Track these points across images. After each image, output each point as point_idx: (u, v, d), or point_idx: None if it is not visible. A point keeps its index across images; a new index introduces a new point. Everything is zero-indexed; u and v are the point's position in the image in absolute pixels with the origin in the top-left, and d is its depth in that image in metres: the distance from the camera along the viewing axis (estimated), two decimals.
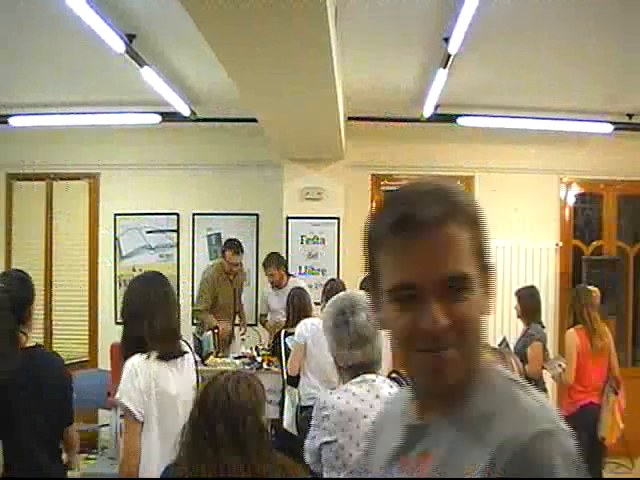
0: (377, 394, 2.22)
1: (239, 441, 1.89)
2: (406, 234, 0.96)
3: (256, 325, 6.65)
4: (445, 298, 0.95)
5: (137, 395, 2.55)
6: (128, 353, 2.64)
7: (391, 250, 1.00)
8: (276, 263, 6.13)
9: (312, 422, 2.33)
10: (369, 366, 2.29)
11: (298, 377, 4.74)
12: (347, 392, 2.26)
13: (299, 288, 5.34)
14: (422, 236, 0.96)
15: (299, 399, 4.69)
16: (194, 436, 1.92)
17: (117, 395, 2.58)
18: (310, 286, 5.99)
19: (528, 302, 5.06)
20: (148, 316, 2.66)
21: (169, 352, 2.68)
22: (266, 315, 6.29)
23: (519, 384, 0.99)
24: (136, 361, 2.61)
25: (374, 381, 2.27)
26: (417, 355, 0.97)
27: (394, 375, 2.57)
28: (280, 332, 5.10)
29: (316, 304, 5.34)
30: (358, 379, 2.26)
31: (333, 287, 4.95)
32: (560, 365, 4.85)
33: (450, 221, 0.98)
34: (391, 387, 2.27)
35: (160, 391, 2.60)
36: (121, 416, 2.65)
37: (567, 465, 0.87)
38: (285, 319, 5.30)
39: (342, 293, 2.56)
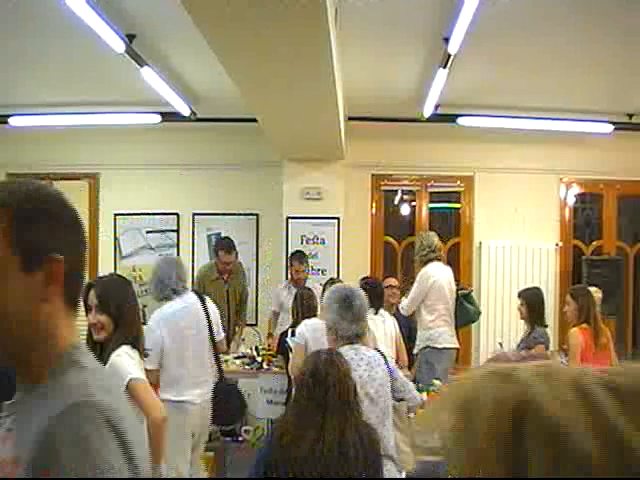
0: (361, 357, 3.05)
1: (346, 402, 2.44)
2: None
3: (256, 325, 6.65)
4: None
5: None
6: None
7: None
8: (306, 261, 6.11)
9: None
10: (359, 337, 3.16)
11: None
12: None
13: (307, 288, 5.32)
14: None
15: None
16: (307, 400, 2.43)
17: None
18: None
19: (533, 304, 5.03)
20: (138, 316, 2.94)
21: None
22: (278, 313, 6.21)
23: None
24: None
25: (359, 348, 3.12)
26: None
27: None
28: (287, 332, 5.09)
29: None
30: (347, 347, 3.04)
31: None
32: (562, 363, 4.84)
33: None
34: (370, 352, 3.13)
35: None
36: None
37: (85, 435, 0.92)
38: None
39: (341, 285, 3.55)
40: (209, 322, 4.25)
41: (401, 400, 3.41)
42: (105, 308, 2.83)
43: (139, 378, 2.72)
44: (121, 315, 2.84)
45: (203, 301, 4.30)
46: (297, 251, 6.19)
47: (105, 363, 2.73)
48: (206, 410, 4.08)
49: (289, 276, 6.18)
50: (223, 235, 6.88)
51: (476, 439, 0.60)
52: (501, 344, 5.80)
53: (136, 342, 2.85)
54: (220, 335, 4.46)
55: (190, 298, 4.23)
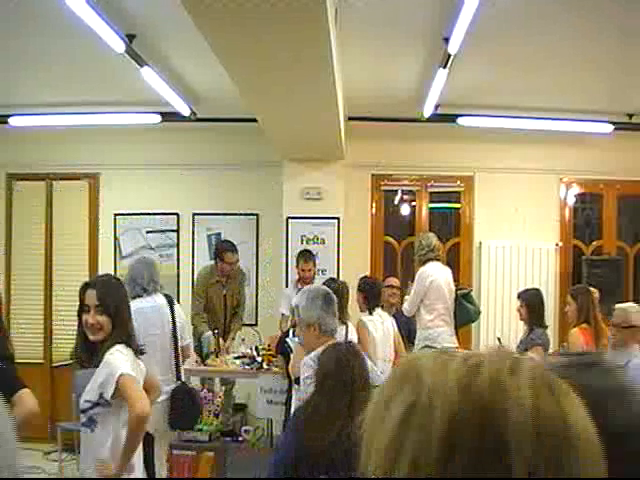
0: None
1: (367, 387, 2.69)
2: None
3: (256, 325, 6.65)
4: None
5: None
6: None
7: None
8: (314, 259, 6.07)
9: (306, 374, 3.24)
10: (336, 330, 3.49)
11: None
12: None
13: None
14: None
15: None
16: (334, 386, 2.67)
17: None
18: None
19: (533, 305, 5.02)
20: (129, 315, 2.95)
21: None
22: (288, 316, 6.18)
23: None
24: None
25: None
26: None
27: None
28: (287, 332, 5.09)
29: None
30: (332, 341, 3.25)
31: (332, 287, 4.94)
32: None
33: None
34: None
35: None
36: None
37: None
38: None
39: (318, 286, 3.99)
40: (174, 325, 4.33)
41: None
42: (105, 309, 2.81)
43: (128, 374, 2.70)
44: (118, 315, 2.84)
45: (172, 305, 4.38)
46: (304, 250, 6.18)
47: (99, 362, 2.74)
48: (166, 410, 4.17)
49: (296, 276, 6.14)
50: (223, 236, 6.90)
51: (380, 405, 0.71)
52: (499, 339, 5.80)
53: (130, 341, 2.86)
54: (185, 340, 4.54)
55: (160, 299, 4.34)
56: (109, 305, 2.82)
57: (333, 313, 3.41)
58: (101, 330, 2.80)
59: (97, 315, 2.79)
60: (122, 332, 2.83)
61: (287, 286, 6.37)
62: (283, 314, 6.14)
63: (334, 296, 3.50)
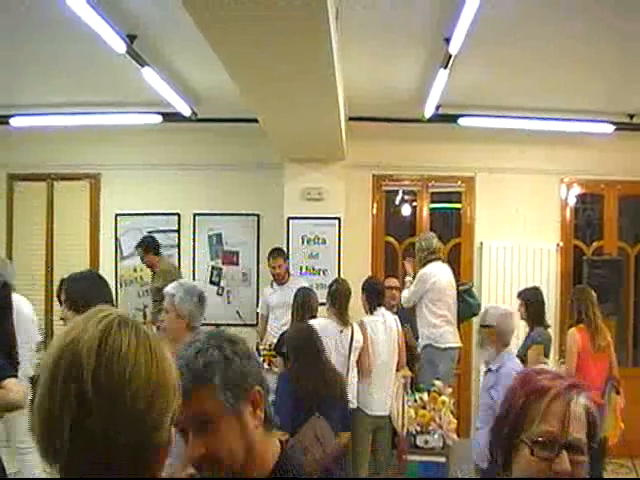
0: None
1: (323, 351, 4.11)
2: None
3: (256, 325, 6.65)
4: None
5: None
6: None
7: None
8: (283, 255, 6.19)
9: None
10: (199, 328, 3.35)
11: None
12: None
13: (307, 288, 5.32)
14: None
15: None
16: (309, 350, 4.06)
17: None
18: (311, 286, 5.98)
19: (533, 304, 5.03)
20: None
21: None
22: (266, 318, 6.24)
23: None
24: None
25: None
26: None
27: None
28: (286, 332, 5.09)
29: (320, 304, 5.32)
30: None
31: (338, 288, 4.95)
32: (563, 362, 4.85)
33: None
34: None
35: None
36: None
37: None
38: (290, 317, 5.25)
39: (195, 283, 4.14)
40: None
41: None
42: (70, 305, 2.87)
43: None
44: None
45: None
46: (273, 248, 6.28)
47: None
48: None
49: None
50: (224, 235, 6.98)
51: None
52: None
53: None
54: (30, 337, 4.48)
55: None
56: (75, 300, 2.89)
57: (202, 314, 3.38)
58: None
59: (65, 309, 2.94)
60: None
61: None
62: (262, 315, 6.29)
63: (206, 298, 3.42)
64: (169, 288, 3.36)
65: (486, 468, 3.40)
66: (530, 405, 1.28)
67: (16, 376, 2.98)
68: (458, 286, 5.79)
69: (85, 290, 2.90)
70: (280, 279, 6.12)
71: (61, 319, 2.93)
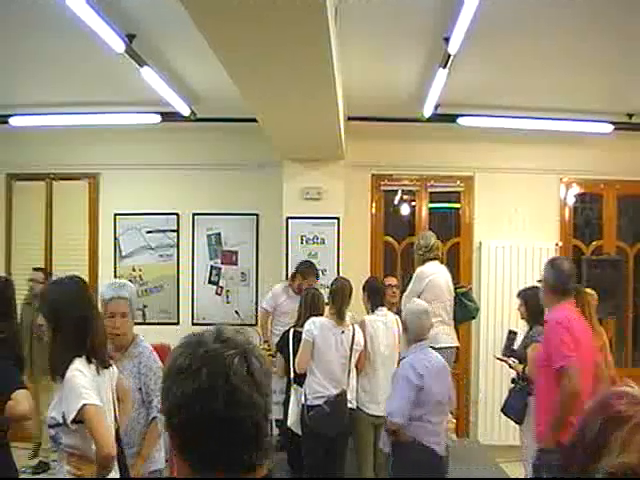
0: None
1: None
2: None
3: (256, 325, 6.65)
4: None
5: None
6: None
7: None
8: (315, 275, 6.03)
9: None
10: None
11: (304, 376, 4.73)
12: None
13: (314, 288, 5.31)
14: None
15: (305, 398, 4.68)
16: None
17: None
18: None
19: (533, 303, 5.02)
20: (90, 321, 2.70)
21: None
22: (270, 314, 6.18)
23: None
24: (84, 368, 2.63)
25: None
26: None
27: None
28: (289, 331, 5.09)
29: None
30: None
31: (339, 286, 4.94)
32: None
33: None
34: None
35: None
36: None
37: None
38: (295, 320, 5.22)
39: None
40: None
41: None
42: (43, 311, 2.75)
43: (93, 404, 2.50)
44: (58, 321, 2.62)
45: None
46: (310, 264, 6.13)
47: (55, 369, 2.59)
48: None
49: (292, 282, 6.11)
50: (223, 235, 6.96)
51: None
52: (515, 332, 5.51)
53: (92, 355, 2.63)
54: None
55: None
56: (45, 307, 2.73)
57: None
58: (47, 331, 2.66)
59: (42, 316, 2.79)
60: (69, 342, 2.58)
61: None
62: (266, 310, 6.20)
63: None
64: (122, 292, 3.25)
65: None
66: (608, 433, 1.18)
67: (24, 387, 2.95)
68: (456, 288, 5.77)
69: (60, 299, 2.69)
70: (301, 291, 6.03)
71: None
